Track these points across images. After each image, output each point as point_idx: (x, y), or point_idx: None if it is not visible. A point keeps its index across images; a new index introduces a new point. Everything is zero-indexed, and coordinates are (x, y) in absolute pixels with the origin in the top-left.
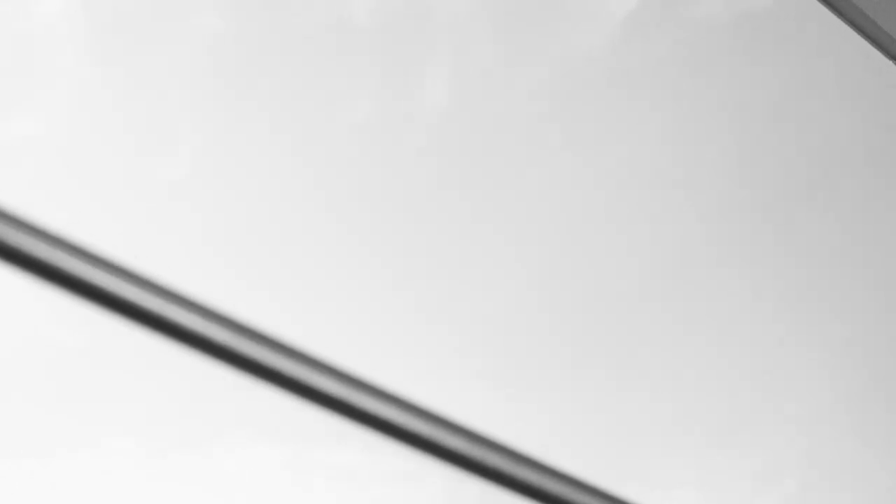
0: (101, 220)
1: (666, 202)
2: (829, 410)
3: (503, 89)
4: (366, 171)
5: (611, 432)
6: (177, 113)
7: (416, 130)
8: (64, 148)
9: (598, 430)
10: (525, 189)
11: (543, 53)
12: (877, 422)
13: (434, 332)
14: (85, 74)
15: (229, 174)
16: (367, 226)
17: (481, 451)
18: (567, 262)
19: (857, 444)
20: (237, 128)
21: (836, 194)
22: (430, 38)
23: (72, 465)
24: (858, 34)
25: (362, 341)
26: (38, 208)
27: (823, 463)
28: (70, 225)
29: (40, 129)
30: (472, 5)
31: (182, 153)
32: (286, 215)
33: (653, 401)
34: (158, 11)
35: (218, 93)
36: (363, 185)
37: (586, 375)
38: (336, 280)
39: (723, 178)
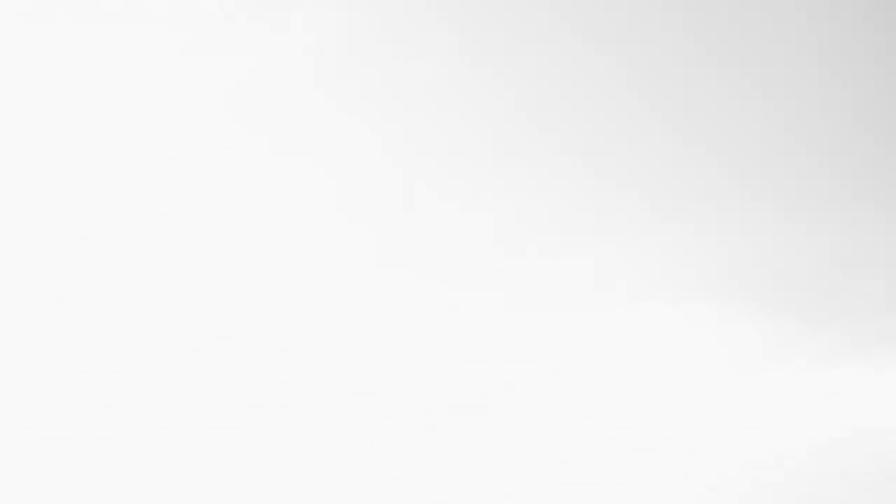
0: (372, 111)
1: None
2: None
3: None
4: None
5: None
6: (429, 14)
7: None
8: (335, 56)
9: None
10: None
11: None
12: None
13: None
14: None
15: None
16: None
17: None
18: None
19: None
20: (485, 25)
21: None
22: None
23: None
24: None
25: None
26: (318, 108)
27: None
28: (348, 117)
29: (314, 40)
30: None
31: (436, 53)
32: (553, 90)
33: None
34: None
35: None
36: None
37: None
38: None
39: None
